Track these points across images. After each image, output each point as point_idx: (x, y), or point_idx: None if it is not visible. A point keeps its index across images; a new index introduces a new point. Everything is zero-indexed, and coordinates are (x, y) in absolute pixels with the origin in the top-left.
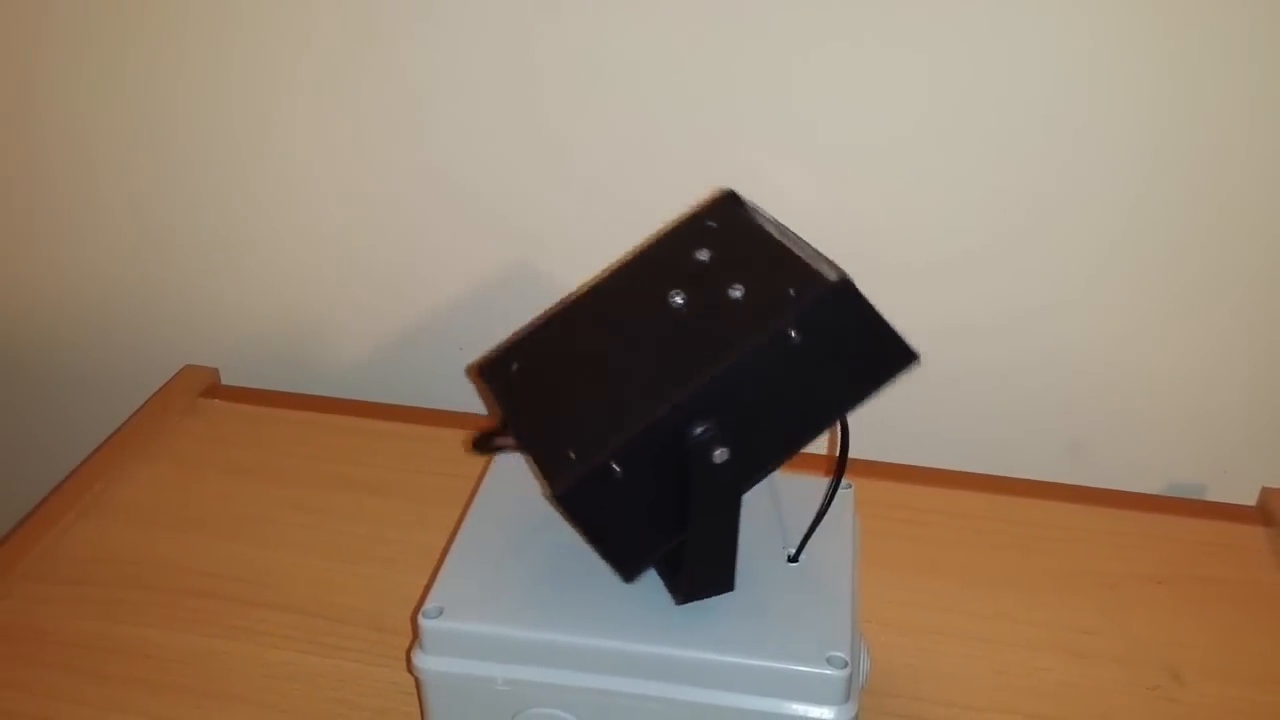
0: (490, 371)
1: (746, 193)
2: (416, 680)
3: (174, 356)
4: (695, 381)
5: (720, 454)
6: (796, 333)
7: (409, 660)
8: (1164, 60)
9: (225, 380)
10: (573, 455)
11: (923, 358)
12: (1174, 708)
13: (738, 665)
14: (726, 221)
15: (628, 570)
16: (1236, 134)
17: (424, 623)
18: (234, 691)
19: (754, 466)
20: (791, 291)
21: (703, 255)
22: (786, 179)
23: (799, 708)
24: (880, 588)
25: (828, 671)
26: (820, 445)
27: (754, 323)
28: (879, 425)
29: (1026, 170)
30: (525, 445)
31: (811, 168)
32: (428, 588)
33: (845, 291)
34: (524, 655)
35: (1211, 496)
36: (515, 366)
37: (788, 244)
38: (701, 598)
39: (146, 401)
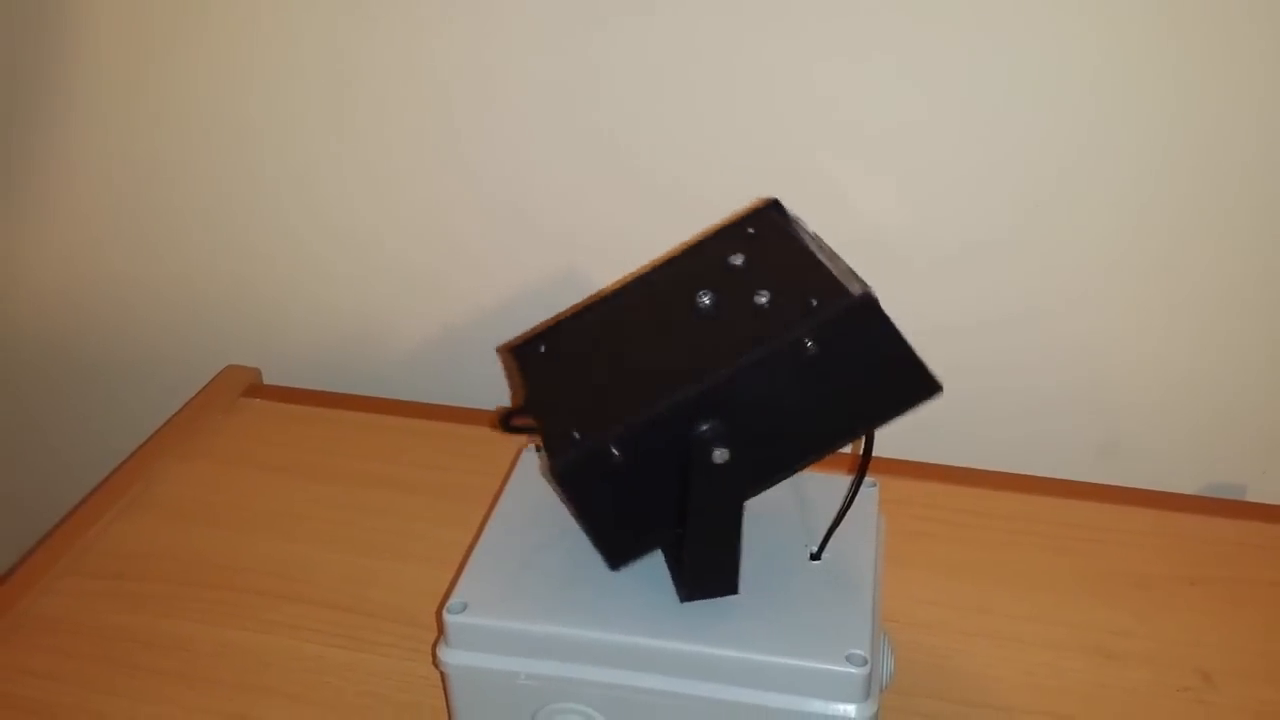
0: (521, 351)
1: (786, 191)
2: (441, 674)
3: (217, 357)
4: (705, 380)
5: (720, 454)
6: (813, 343)
7: (434, 655)
8: (1201, 36)
9: (267, 380)
10: (576, 435)
11: (955, 357)
12: (1204, 710)
13: (758, 662)
14: (765, 229)
15: (614, 558)
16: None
17: (448, 618)
18: (267, 684)
19: (757, 473)
20: (814, 302)
21: (737, 260)
22: (824, 177)
23: (819, 705)
24: (910, 587)
25: (848, 669)
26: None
27: (772, 329)
28: (908, 424)
29: (1063, 160)
30: (537, 422)
31: (845, 164)
32: (454, 583)
33: (867, 308)
34: (547, 650)
35: (1251, 497)
36: (543, 348)
37: (821, 257)
38: (703, 597)
39: (189, 400)
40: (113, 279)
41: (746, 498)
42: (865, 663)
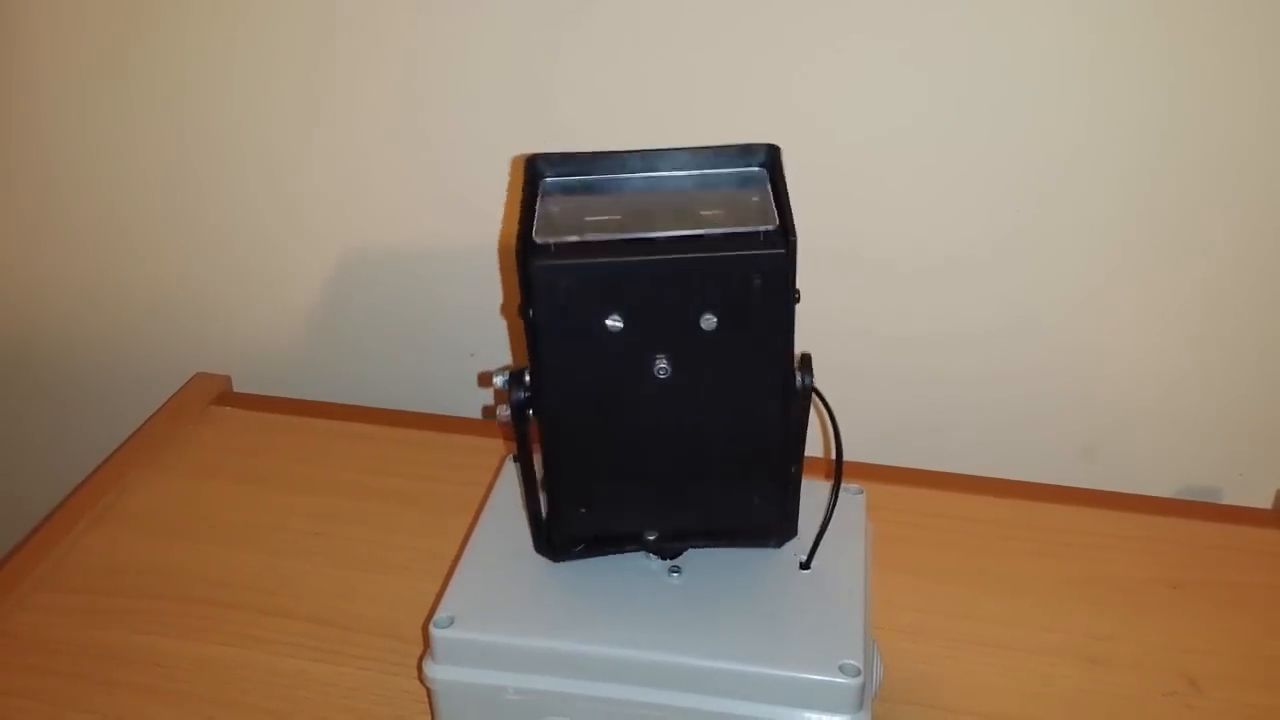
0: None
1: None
2: (428, 690)
3: (186, 364)
4: (776, 382)
5: (808, 379)
6: (755, 277)
7: (420, 669)
8: (1174, 50)
9: (237, 388)
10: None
11: (936, 363)
12: (1190, 714)
13: (750, 674)
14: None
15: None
16: (1246, 134)
17: (435, 632)
18: (245, 700)
19: None
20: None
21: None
22: (809, 182)
23: (811, 716)
24: (895, 593)
25: (840, 680)
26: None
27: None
28: (893, 431)
29: (1036, 172)
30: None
31: (819, 170)
32: (439, 596)
33: (789, 243)
34: (535, 664)
35: (1227, 500)
36: (583, 510)
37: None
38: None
39: (159, 409)
40: (75, 285)
41: None
42: (858, 673)
